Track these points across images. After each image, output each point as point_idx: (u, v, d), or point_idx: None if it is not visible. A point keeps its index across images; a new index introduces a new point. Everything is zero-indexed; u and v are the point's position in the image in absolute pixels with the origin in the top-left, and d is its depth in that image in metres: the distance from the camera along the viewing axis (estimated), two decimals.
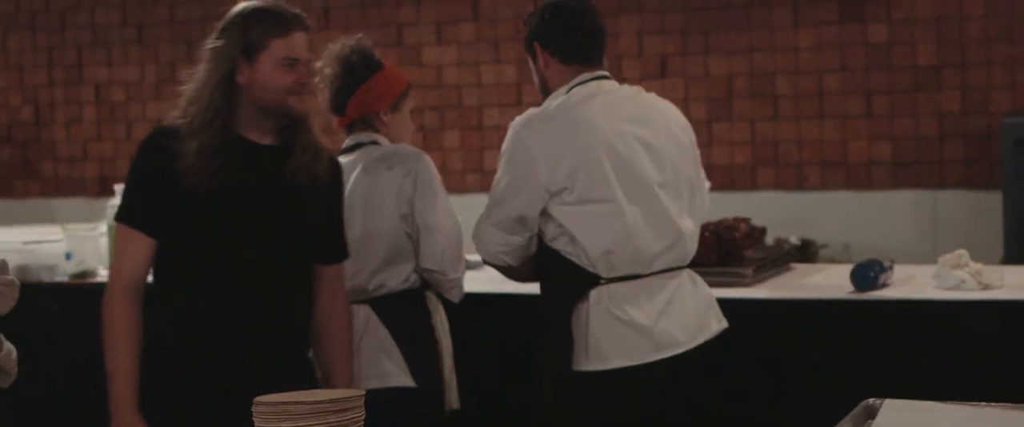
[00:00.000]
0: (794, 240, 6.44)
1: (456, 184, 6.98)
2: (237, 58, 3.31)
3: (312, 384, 3.46)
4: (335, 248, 3.59)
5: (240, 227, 3.36)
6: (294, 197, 3.38)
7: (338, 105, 4.00)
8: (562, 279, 3.61)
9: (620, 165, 3.53)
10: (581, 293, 3.57)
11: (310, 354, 3.59)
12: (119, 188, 5.48)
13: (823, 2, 6.50)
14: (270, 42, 3.31)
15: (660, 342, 3.53)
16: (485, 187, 6.53)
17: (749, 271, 4.30)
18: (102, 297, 3.35)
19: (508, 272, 3.80)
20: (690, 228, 3.65)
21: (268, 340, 3.38)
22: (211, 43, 3.36)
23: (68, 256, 4.98)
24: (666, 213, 3.57)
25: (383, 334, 3.86)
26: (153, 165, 3.35)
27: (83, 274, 4.97)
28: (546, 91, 3.73)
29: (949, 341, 3.91)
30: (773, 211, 6.53)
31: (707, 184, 3.83)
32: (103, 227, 5.30)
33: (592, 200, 3.53)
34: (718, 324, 3.70)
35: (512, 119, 6.66)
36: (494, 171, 6.45)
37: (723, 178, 6.66)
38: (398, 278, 3.88)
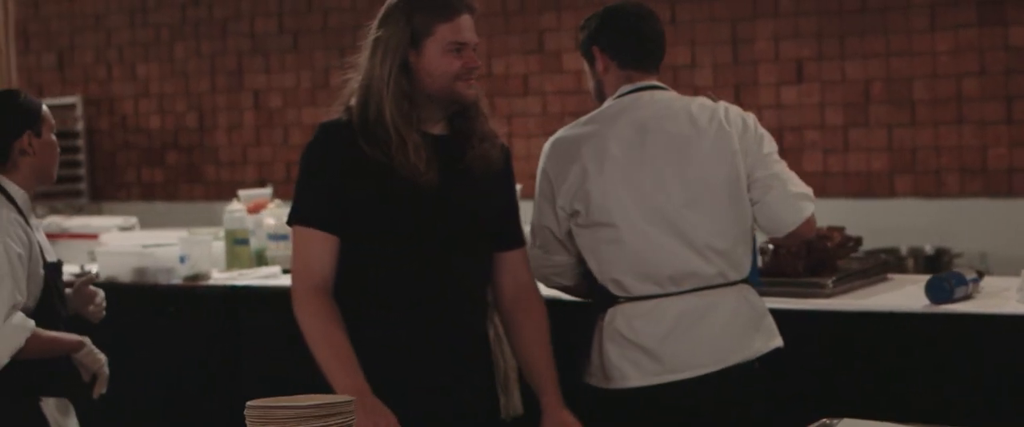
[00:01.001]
0: (928, 249, 6.29)
1: None
2: (407, 46, 3.21)
3: (490, 380, 3.44)
4: (513, 233, 3.46)
5: (422, 221, 3.26)
6: (473, 187, 3.29)
7: None
8: (591, 296, 3.65)
9: (632, 188, 3.50)
10: (601, 310, 3.60)
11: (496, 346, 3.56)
12: (246, 194, 5.72)
13: (961, 4, 6.31)
14: (436, 27, 3.20)
15: (671, 364, 3.48)
16: None
17: (829, 282, 4.21)
18: (292, 305, 3.26)
19: (567, 291, 3.84)
20: (724, 244, 3.54)
21: (450, 335, 3.30)
22: (374, 33, 3.26)
23: (182, 259, 5.16)
24: (686, 234, 3.50)
25: None
26: (328, 162, 3.26)
27: (196, 277, 5.15)
28: (602, 97, 3.71)
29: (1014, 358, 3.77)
30: (910, 219, 6.38)
31: (795, 189, 3.57)
32: (221, 232, 5.49)
33: (600, 223, 3.54)
34: (765, 343, 3.59)
35: None
36: None
37: (859, 185, 6.53)
38: None
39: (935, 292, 3.95)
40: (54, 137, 3.94)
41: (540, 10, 7.19)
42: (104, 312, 4.08)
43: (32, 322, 3.73)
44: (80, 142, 8.54)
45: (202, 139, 8.31)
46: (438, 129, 3.30)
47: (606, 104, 3.66)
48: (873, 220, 6.25)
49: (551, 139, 3.69)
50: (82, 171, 8.56)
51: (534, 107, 7.21)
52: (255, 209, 5.54)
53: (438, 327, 3.28)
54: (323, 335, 3.23)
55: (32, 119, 3.86)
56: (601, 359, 3.59)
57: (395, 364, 3.26)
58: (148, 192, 8.48)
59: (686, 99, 3.67)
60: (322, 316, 3.24)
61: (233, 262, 5.40)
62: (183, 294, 5.11)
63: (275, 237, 5.34)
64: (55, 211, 8.47)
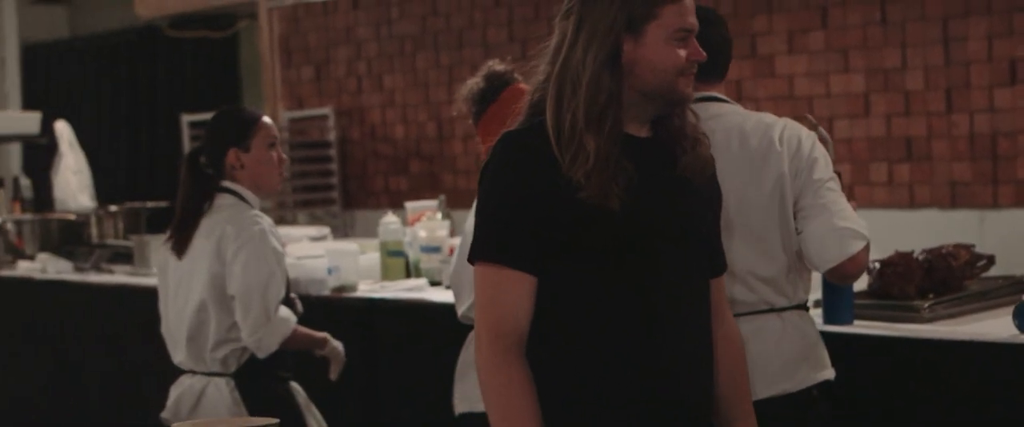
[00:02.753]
0: None
1: None
2: (621, 32, 2.63)
3: None
4: (720, 255, 2.90)
5: (646, 245, 2.65)
6: (691, 200, 2.74)
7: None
8: None
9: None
10: None
11: None
12: (412, 206, 5.77)
13: None
14: (661, 9, 2.64)
15: None
16: None
17: (925, 305, 3.90)
18: (477, 362, 2.64)
19: None
20: (770, 271, 3.33)
21: (683, 384, 2.69)
22: (573, 14, 2.65)
23: (330, 271, 5.26)
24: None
25: None
26: (518, 182, 2.63)
27: (342, 288, 5.25)
28: None
29: None
30: None
31: (843, 223, 3.26)
32: (374, 243, 5.58)
33: None
34: (811, 374, 3.35)
35: (861, 131, 6.34)
36: (846, 185, 6.20)
37: None
38: None
39: (1022, 319, 3.61)
40: (272, 150, 4.29)
41: (752, 13, 6.95)
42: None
43: (294, 316, 4.28)
44: (333, 152, 8.82)
45: (441, 148, 8.45)
46: (644, 132, 2.74)
47: None
48: None
49: None
50: (335, 180, 8.84)
51: None
52: (416, 220, 5.59)
53: (673, 376, 2.67)
54: (518, 413, 2.61)
55: (239, 135, 4.27)
56: None
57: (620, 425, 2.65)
58: (395, 200, 8.68)
59: (744, 114, 3.45)
60: (516, 387, 2.61)
61: (387, 274, 5.47)
62: (327, 305, 5.21)
63: (427, 249, 5.37)
64: (315, 219, 8.81)
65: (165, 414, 4.38)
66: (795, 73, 6.78)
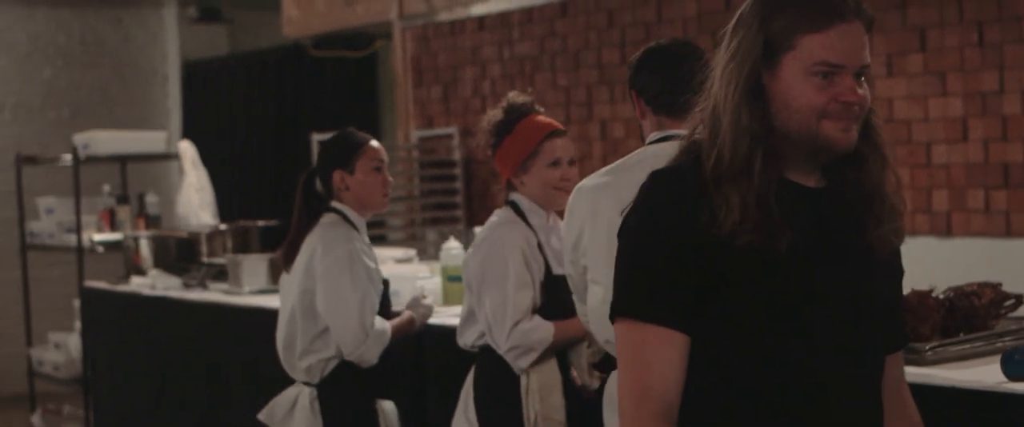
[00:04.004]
0: None
1: (906, 226, 6.53)
2: (757, 61, 2.32)
3: None
4: (899, 329, 2.61)
5: (812, 305, 2.34)
6: (868, 265, 2.42)
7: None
8: None
9: None
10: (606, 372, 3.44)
11: None
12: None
13: None
14: (799, 38, 2.30)
15: None
16: (935, 229, 6.16)
17: (926, 347, 3.79)
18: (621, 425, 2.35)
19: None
20: None
21: None
22: (726, 41, 2.38)
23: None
24: None
25: None
26: (670, 230, 2.32)
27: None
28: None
29: None
30: None
31: None
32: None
33: (596, 282, 3.37)
34: None
35: (958, 157, 6.17)
36: (943, 212, 6.05)
37: None
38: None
39: (1009, 366, 3.48)
40: (377, 173, 4.57)
41: None
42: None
43: (388, 324, 4.55)
44: (457, 170, 8.92)
45: None
46: (813, 181, 2.40)
47: (632, 153, 3.50)
48: None
49: (577, 186, 3.56)
50: (458, 198, 8.94)
51: None
52: None
53: None
54: None
55: (344, 158, 4.56)
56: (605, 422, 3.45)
57: None
58: None
59: None
60: None
61: (448, 298, 5.53)
62: None
63: None
64: (443, 237, 8.92)
65: (261, 415, 4.70)
66: (894, 96, 6.62)
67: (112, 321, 7.29)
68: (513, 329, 3.96)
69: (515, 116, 4.18)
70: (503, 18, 8.62)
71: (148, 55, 11.52)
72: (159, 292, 6.92)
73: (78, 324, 7.74)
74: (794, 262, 2.31)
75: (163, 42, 11.57)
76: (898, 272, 2.55)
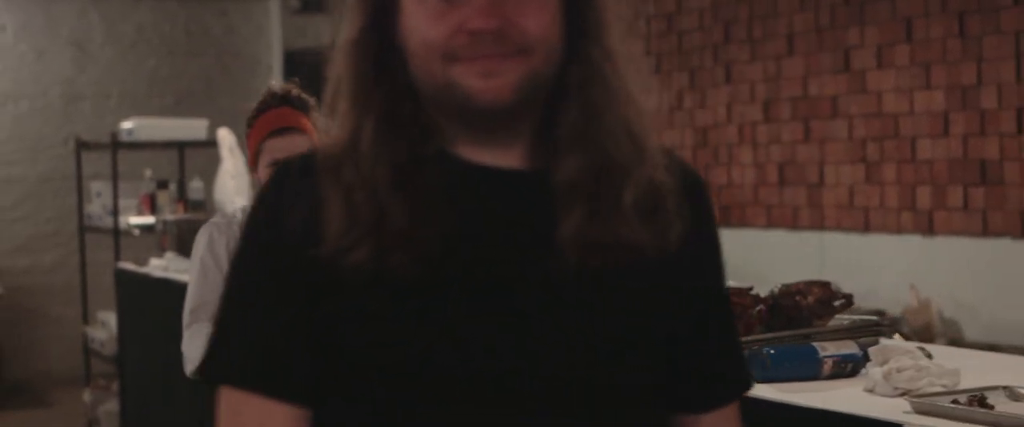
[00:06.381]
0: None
1: (891, 223, 6.36)
2: None
3: None
4: (716, 378, 1.77)
5: (479, 362, 1.53)
6: (617, 287, 1.57)
7: None
8: None
9: None
10: None
11: None
12: None
13: None
14: None
15: None
16: (919, 228, 6.00)
17: None
18: None
19: None
20: None
21: None
22: None
23: None
24: None
25: None
26: (273, 244, 1.57)
27: None
28: None
29: None
30: None
31: None
32: None
33: None
34: None
35: (941, 152, 6.00)
36: (928, 211, 5.90)
37: None
38: None
39: (758, 368, 3.39)
40: None
41: (846, 25, 6.64)
42: None
43: None
44: None
45: None
46: (512, 159, 1.57)
47: None
48: None
49: None
50: None
51: (841, 131, 6.66)
52: None
53: None
54: None
55: None
56: None
57: None
58: None
59: None
60: None
61: None
62: None
63: None
64: None
65: None
66: (884, 89, 6.44)
67: (138, 301, 7.55)
68: None
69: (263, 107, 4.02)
70: None
71: (251, 45, 11.85)
72: (170, 274, 7.14)
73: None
74: (450, 297, 1.49)
75: (267, 32, 11.88)
76: (700, 289, 1.64)
